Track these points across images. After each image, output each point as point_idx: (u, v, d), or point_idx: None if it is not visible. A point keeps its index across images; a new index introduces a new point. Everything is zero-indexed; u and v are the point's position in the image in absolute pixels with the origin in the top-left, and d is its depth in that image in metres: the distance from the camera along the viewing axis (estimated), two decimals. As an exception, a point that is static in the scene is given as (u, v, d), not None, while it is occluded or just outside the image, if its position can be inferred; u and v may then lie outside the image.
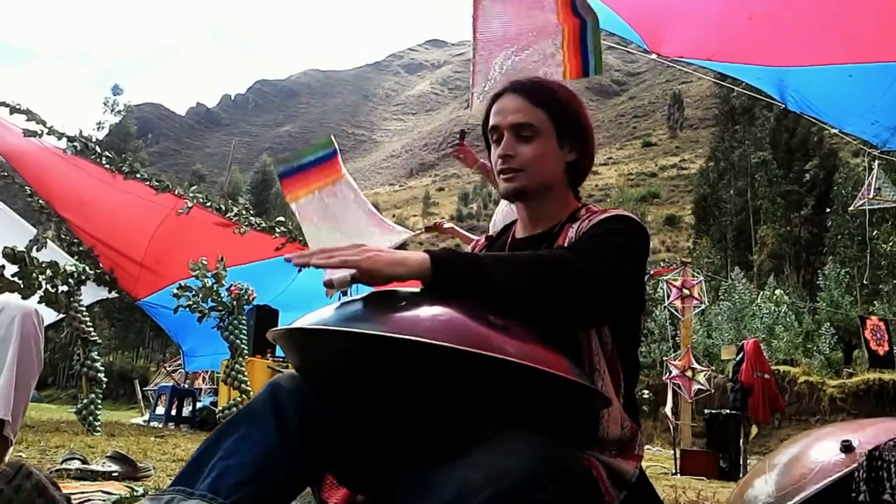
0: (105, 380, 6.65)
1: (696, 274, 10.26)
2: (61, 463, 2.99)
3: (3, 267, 5.90)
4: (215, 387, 11.73)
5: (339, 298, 1.16)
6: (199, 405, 10.61)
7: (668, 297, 9.69)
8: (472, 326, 1.03)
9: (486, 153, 1.59)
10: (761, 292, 29.45)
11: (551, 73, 3.24)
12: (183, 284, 7.33)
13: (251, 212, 9.02)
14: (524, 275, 1.16)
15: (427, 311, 1.04)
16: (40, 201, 8.35)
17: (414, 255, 1.13)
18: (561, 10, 3.25)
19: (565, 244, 1.39)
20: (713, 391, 9.92)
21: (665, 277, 9.92)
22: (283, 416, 1.12)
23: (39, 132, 7.56)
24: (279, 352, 7.90)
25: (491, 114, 1.50)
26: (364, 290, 1.12)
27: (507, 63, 3.36)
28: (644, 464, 1.39)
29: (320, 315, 1.10)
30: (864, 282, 27.66)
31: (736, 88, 5.03)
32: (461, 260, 1.15)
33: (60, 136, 7.74)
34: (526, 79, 1.51)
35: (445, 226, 4.26)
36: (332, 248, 1.12)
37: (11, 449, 2.73)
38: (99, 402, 6.50)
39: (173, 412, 10.25)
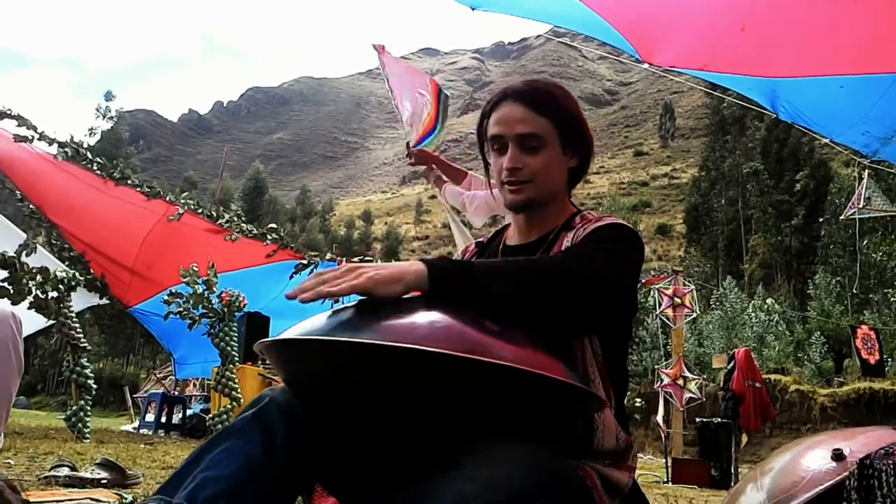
0: (95, 387, 6.58)
1: (687, 283, 10.28)
2: (50, 470, 2.96)
3: (-6, 272, 5.85)
4: (206, 394, 11.68)
5: (332, 305, 1.13)
6: (188, 412, 10.56)
7: (660, 305, 9.71)
8: (466, 333, 1.01)
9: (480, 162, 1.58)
10: (752, 301, 29.56)
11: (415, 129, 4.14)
12: (174, 291, 7.28)
13: (242, 218, 9.01)
14: (519, 280, 1.16)
15: (419, 319, 1.03)
16: (31, 206, 8.29)
17: (410, 269, 1.11)
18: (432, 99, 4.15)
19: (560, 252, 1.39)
20: (704, 400, 9.94)
21: (656, 286, 9.93)
22: (271, 430, 1.10)
23: (30, 137, 7.52)
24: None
25: (491, 122, 1.45)
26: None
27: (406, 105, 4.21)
28: (635, 472, 1.39)
29: (308, 325, 1.08)
30: (855, 291, 27.80)
31: (727, 98, 5.05)
32: (456, 267, 1.15)
33: (51, 141, 7.69)
34: (524, 84, 1.47)
35: (432, 152, 4.07)
36: (330, 272, 1.11)
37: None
38: (88, 408, 6.44)
39: (163, 419, 10.21)
